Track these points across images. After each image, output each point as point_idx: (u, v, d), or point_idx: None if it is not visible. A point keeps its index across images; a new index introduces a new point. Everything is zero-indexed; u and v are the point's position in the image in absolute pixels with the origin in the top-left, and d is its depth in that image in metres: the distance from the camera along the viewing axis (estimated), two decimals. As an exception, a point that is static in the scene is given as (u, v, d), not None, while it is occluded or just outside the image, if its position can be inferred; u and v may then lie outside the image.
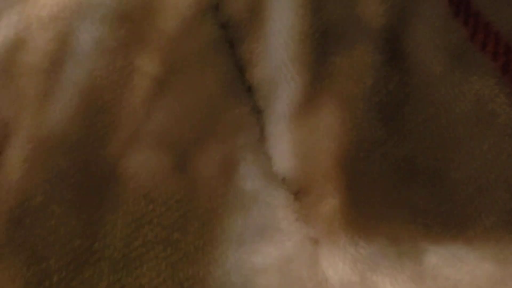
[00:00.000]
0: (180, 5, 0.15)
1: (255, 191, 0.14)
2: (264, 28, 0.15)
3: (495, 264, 0.13)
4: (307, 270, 0.13)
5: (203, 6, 0.15)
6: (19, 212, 0.14)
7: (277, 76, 0.14)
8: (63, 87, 0.14)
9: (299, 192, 0.14)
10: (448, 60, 0.14)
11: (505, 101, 0.14)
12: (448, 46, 0.14)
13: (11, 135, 0.15)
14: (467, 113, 0.14)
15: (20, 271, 0.13)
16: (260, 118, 0.14)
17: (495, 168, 0.13)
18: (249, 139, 0.14)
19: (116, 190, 0.13)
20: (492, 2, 0.15)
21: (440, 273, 0.13)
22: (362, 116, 0.14)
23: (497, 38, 0.14)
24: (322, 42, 0.14)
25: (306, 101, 0.14)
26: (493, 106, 0.14)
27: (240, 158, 0.14)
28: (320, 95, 0.14)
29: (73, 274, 0.13)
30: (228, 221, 0.13)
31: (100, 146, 0.14)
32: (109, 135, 0.14)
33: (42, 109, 0.14)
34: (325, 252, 0.13)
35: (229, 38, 0.15)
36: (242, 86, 0.14)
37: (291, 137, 0.14)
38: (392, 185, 0.13)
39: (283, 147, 0.14)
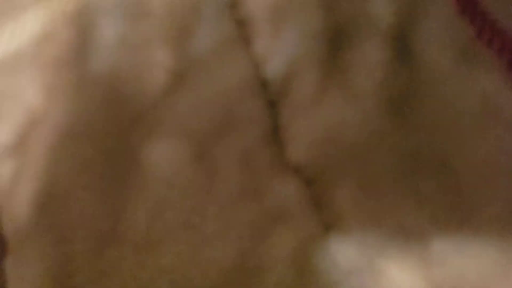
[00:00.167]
0: (199, 3, 0.16)
1: (269, 179, 0.14)
2: (279, 25, 0.15)
3: (499, 251, 0.13)
4: (318, 256, 0.14)
5: (220, 4, 0.16)
6: (45, 197, 0.14)
7: (291, 71, 0.15)
8: (88, 80, 0.15)
9: (311, 180, 0.14)
10: (455, 57, 0.15)
11: (510, 96, 0.14)
12: (455, 43, 0.15)
13: (37, 123, 0.15)
14: (473, 107, 0.14)
15: (47, 252, 0.14)
16: (274, 111, 0.15)
17: (500, 160, 0.14)
18: (263, 130, 0.15)
19: (139, 177, 0.14)
20: (499, 0, 0.15)
21: (446, 259, 0.13)
22: (371, 110, 0.14)
23: (503, 36, 0.14)
24: (334, 39, 0.15)
25: (318, 95, 0.15)
26: (498, 101, 0.14)
27: (255, 149, 0.15)
28: (332, 89, 0.15)
29: (97, 255, 0.14)
30: (244, 208, 0.14)
31: (123, 136, 0.15)
32: (131, 126, 0.15)
33: (68, 100, 0.15)
34: (335, 237, 0.14)
35: (245, 35, 0.15)
36: (257, 80, 0.15)
37: (304, 128, 0.15)
38: (400, 175, 0.14)
39: (296, 138, 0.15)
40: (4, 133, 0.16)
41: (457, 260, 0.13)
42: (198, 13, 0.15)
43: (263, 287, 0.14)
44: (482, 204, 0.14)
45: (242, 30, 0.16)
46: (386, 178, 0.14)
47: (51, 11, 0.16)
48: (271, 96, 0.15)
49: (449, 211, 0.14)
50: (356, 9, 0.15)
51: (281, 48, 0.15)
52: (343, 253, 0.14)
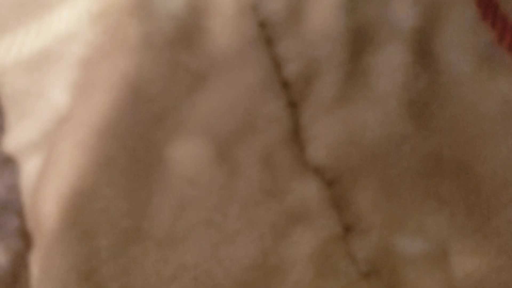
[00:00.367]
0: (221, 5, 0.16)
1: (290, 179, 0.14)
2: (300, 27, 0.16)
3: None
4: (337, 256, 0.14)
5: (242, 6, 0.16)
6: (70, 193, 0.15)
7: (312, 72, 0.15)
8: (113, 79, 0.15)
9: (332, 181, 0.15)
10: (475, 61, 0.15)
11: (529, 101, 0.14)
12: (476, 47, 0.15)
13: (62, 121, 0.16)
14: (493, 111, 0.14)
15: (72, 247, 0.14)
16: (295, 111, 0.15)
17: None
18: (284, 130, 0.15)
19: (162, 175, 0.14)
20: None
21: (466, 262, 0.13)
22: (392, 112, 0.14)
23: None
24: (355, 41, 0.15)
25: (340, 96, 0.15)
26: (518, 105, 0.14)
27: (276, 149, 0.15)
28: (354, 91, 0.15)
29: (121, 251, 0.14)
30: (264, 207, 0.14)
31: (148, 134, 0.15)
32: (155, 124, 0.15)
33: (93, 98, 0.15)
34: (355, 238, 0.14)
35: (266, 36, 0.16)
36: (278, 81, 0.15)
37: (325, 129, 0.15)
38: (420, 177, 0.14)
39: (317, 139, 0.15)
40: (28, 130, 0.16)
41: (476, 263, 0.14)
42: (221, 15, 0.16)
43: (283, 285, 0.14)
44: (501, 207, 0.14)
45: (264, 31, 0.16)
46: (406, 180, 0.14)
47: (77, 11, 0.16)
48: (292, 97, 0.15)
49: (468, 213, 0.14)
50: (378, 12, 0.16)
51: (302, 50, 0.16)
52: (364, 254, 0.14)
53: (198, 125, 0.15)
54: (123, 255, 0.14)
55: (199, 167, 0.14)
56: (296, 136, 0.15)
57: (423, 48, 0.15)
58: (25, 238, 0.15)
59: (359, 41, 0.15)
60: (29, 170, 0.16)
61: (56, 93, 0.16)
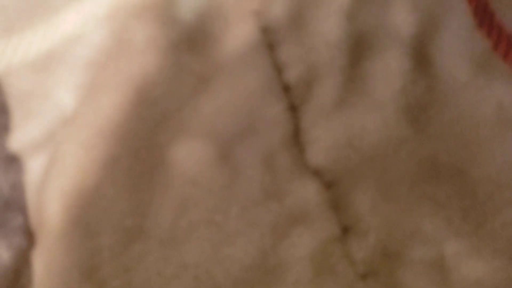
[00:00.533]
0: (225, 11, 0.16)
1: (290, 180, 0.15)
2: (301, 33, 0.16)
3: (509, 259, 0.14)
4: (335, 257, 0.14)
5: (245, 12, 0.16)
6: (74, 192, 0.15)
7: (313, 76, 0.15)
8: (118, 80, 0.16)
9: (331, 183, 0.15)
10: (472, 68, 0.15)
11: (524, 108, 0.15)
12: (472, 55, 0.15)
13: (67, 121, 0.16)
14: (489, 117, 0.15)
15: (75, 245, 0.14)
16: (295, 115, 0.15)
17: None
18: (285, 133, 0.15)
19: (165, 175, 0.15)
20: (514, 16, 0.15)
21: (461, 264, 0.14)
22: (390, 116, 0.15)
23: None
24: (355, 47, 0.16)
25: (339, 101, 0.15)
26: (513, 111, 0.15)
27: (277, 151, 0.15)
28: (353, 96, 0.15)
29: (123, 249, 0.14)
30: (264, 208, 0.14)
31: (151, 135, 0.15)
32: (159, 126, 0.15)
33: (98, 100, 0.15)
34: (353, 239, 0.14)
35: (269, 42, 0.16)
36: (279, 85, 0.16)
37: (324, 133, 0.15)
38: (417, 180, 0.14)
39: (317, 142, 0.15)
40: (33, 129, 0.16)
41: (472, 265, 0.14)
42: (224, 20, 0.16)
43: (282, 285, 0.14)
44: (496, 210, 0.14)
45: (266, 36, 0.16)
46: (404, 182, 0.15)
47: (83, 14, 0.17)
48: (292, 101, 0.16)
49: (464, 216, 0.14)
50: (377, 19, 0.16)
51: (303, 55, 0.16)
52: (360, 255, 0.14)
53: (201, 126, 0.15)
54: (125, 254, 0.14)
55: (201, 168, 0.15)
56: (296, 139, 0.15)
57: (421, 55, 0.15)
58: (28, 236, 0.15)
59: (358, 47, 0.16)
60: (33, 168, 0.16)
61: (61, 94, 0.16)
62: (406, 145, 0.15)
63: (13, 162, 0.16)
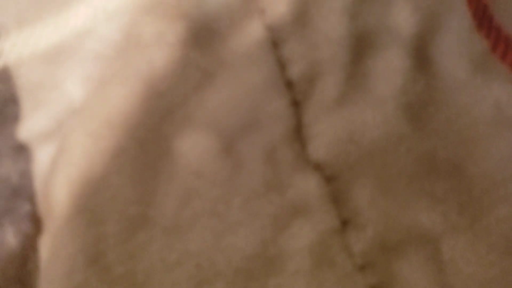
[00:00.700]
0: (231, 8, 0.17)
1: (291, 174, 0.15)
2: (305, 30, 0.16)
3: (502, 253, 0.14)
4: (334, 249, 0.14)
5: (251, 10, 0.17)
6: (81, 181, 0.15)
7: (315, 73, 0.16)
8: (126, 74, 0.16)
9: (331, 177, 0.15)
10: (470, 68, 0.15)
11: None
12: (471, 55, 0.15)
13: (75, 112, 0.16)
14: (486, 116, 0.15)
15: (80, 232, 0.15)
16: (298, 110, 0.16)
17: (509, 165, 0.14)
18: (287, 128, 0.15)
19: (169, 166, 0.15)
20: (513, 18, 0.16)
21: (456, 258, 0.14)
22: (391, 113, 0.15)
23: None
24: (357, 45, 0.16)
25: (341, 97, 0.15)
26: (510, 110, 0.15)
27: (279, 145, 0.15)
28: (354, 92, 0.15)
29: (127, 237, 0.15)
30: (266, 200, 0.15)
31: (157, 127, 0.15)
32: (165, 118, 0.15)
33: (107, 92, 0.16)
34: (352, 232, 0.14)
35: (273, 39, 0.16)
36: (283, 81, 0.16)
37: (326, 128, 0.15)
38: (415, 176, 0.15)
39: (318, 137, 0.15)
40: (42, 119, 0.16)
41: (467, 258, 0.14)
42: (230, 18, 0.16)
43: (282, 274, 0.14)
44: (492, 206, 0.14)
45: (270, 34, 0.16)
46: (402, 178, 0.15)
47: (93, 9, 0.17)
48: (295, 96, 0.16)
49: (460, 211, 0.14)
50: (379, 19, 0.16)
51: (306, 52, 0.16)
52: (359, 247, 0.15)
53: (205, 119, 0.16)
54: (129, 241, 0.15)
55: (205, 160, 0.15)
56: (298, 134, 0.16)
57: (421, 54, 0.16)
58: (36, 222, 0.16)
59: (360, 45, 0.16)
60: (42, 157, 0.16)
61: (70, 86, 0.17)
62: (405, 141, 0.15)
63: (22, 151, 0.16)
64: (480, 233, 0.14)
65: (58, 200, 0.15)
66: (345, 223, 0.15)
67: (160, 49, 0.16)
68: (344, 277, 0.14)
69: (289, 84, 0.16)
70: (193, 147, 0.15)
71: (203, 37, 0.16)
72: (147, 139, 0.15)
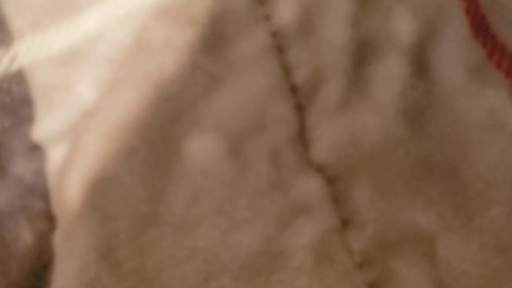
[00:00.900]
0: (237, 14, 0.17)
1: (294, 175, 0.16)
2: (309, 37, 0.17)
3: (494, 252, 0.14)
4: (335, 247, 0.15)
5: (256, 16, 0.17)
6: (93, 179, 0.16)
7: (318, 78, 0.16)
8: (136, 77, 0.17)
9: (332, 178, 0.16)
10: (467, 75, 0.16)
11: (514, 113, 0.16)
12: (467, 63, 0.16)
13: (88, 114, 0.17)
14: (481, 121, 0.15)
15: (93, 228, 0.15)
16: (301, 114, 0.16)
17: (502, 168, 0.15)
18: (291, 131, 0.16)
19: (178, 166, 0.16)
20: (508, 27, 0.16)
21: (451, 257, 0.14)
22: (390, 118, 0.16)
23: (511, 59, 0.16)
24: (359, 52, 0.16)
25: (343, 102, 0.16)
26: (504, 116, 0.16)
27: (283, 147, 0.16)
28: (356, 98, 0.16)
29: (138, 233, 0.15)
30: (270, 199, 0.15)
31: (166, 129, 0.16)
32: (174, 120, 0.16)
33: (118, 95, 0.16)
34: (352, 231, 0.15)
35: (278, 44, 0.17)
36: (287, 86, 0.17)
37: (328, 131, 0.16)
38: (412, 178, 0.15)
39: (321, 140, 0.16)
40: (56, 121, 0.17)
41: (461, 257, 0.15)
42: (237, 24, 0.17)
43: (284, 270, 0.15)
44: (485, 207, 0.15)
45: (276, 40, 0.17)
46: (400, 179, 0.16)
47: (105, 13, 0.18)
48: (299, 101, 0.17)
49: (455, 212, 0.15)
50: (380, 26, 0.17)
51: (310, 58, 0.17)
52: (358, 245, 0.15)
53: (213, 122, 0.16)
54: (140, 237, 0.15)
55: (212, 161, 0.16)
56: (301, 136, 0.16)
57: (420, 61, 0.16)
58: (50, 219, 0.16)
59: (362, 53, 0.17)
60: (55, 157, 0.17)
61: (83, 88, 0.17)
62: (403, 145, 0.16)
63: (36, 151, 0.17)
64: (473, 232, 0.15)
65: (71, 198, 0.16)
66: (345, 223, 0.15)
67: (169, 53, 0.17)
68: (343, 274, 0.15)
69: (293, 89, 0.17)
70: (201, 148, 0.16)
71: (211, 42, 0.17)
72: (157, 140, 0.16)
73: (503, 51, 0.16)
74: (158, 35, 0.17)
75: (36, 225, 0.16)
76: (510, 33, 0.16)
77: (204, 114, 0.16)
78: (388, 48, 0.17)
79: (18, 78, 0.18)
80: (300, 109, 0.17)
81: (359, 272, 0.15)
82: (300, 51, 0.17)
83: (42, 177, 0.17)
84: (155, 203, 0.16)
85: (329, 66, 0.17)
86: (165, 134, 0.16)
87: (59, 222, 0.16)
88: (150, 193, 0.16)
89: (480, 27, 0.16)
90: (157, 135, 0.16)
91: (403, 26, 0.17)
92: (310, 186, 0.16)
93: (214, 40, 0.17)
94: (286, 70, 0.17)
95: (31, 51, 0.18)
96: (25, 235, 0.16)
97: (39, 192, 0.17)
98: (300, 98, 0.17)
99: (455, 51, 0.16)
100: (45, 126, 0.17)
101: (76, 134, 0.17)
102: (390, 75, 0.16)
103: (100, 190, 0.16)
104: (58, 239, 0.16)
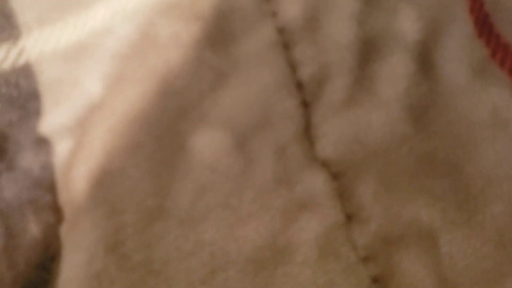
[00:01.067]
0: (244, 11, 0.17)
1: (300, 170, 0.16)
2: (315, 34, 0.17)
3: (496, 247, 0.15)
4: (339, 241, 0.15)
5: (263, 13, 0.17)
6: (100, 173, 0.16)
7: (324, 75, 0.17)
8: (143, 72, 0.17)
9: (337, 174, 0.16)
10: (470, 74, 0.16)
11: (517, 111, 0.16)
12: (471, 61, 0.16)
13: (95, 108, 0.17)
14: (484, 119, 0.16)
15: (100, 221, 0.16)
16: (307, 111, 0.16)
17: (504, 166, 0.15)
18: (297, 127, 0.16)
19: (185, 161, 0.16)
20: (511, 26, 0.17)
21: (453, 252, 0.15)
22: (394, 115, 0.16)
23: None
24: (364, 50, 0.17)
25: (348, 99, 0.16)
26: (506, 114, 0.16)
27: (289, 143, 0.16)
28: (360, 95, 0.16)
29: (145, 227, 0.15)
30: (276, 194, 0.16)
31: (172, 124, 0.16)
32: (180, 116, 0.16)
33: (124, 90, 0.17)
34: (356, 226, 0.15)
35: (284, 41, 0.17)
36: (293, 83, 0.17)
37: (333, 128, 0.16)
38: (416, 175, 0.16)
39: (326, 136, 0.16)
40: (62, 115, 0.17)
41: (463, 252, 0.15)
42: (244, 20, 0.17)
43: (290, 264, 0.15)
44: (487, 204, 0.15)
45: (282, 37, 0.17)
46: (404, 176, 0.16)
47: (111, 9, 0.18)
48: (305, 97, 0.17)
49: (458, 208, 0.15)
50: (385, 25, 0.17)
51: (316, 55, 0.17)
52: (362, 240, 0.15)
53: (219, 118, 0.16)
54: (146, 231, 0.15)
55: (218, 156, 0.16)
56: (307, 133, 0.16)
57: (425, 59, 0.17)
58: (57, 212, 0.16)
59: (367, 50, 0.17)
60: (62, 151, 0.17)
61: (90, 83, 0.17)
62: (407, 142, 0.16)
63: (43, 144, 0.17)
64: (476, 228, 0.15)
65: (78, 191, 0.16)
66: (349, 218, 0.16)
67: (176, 49, 0.17)
68: (348, 268, 0.15)
69: (299, 86, 0.17)
70: (207, 143, 0.16)
71: (217, 38, 0.17)
72: (163, 135, 0.16)
73: (506, 50, 0.16)
74: (165, 31, 0.17)
75: (43, 218, 0.16)
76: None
77: (210, 109, 0.17)
78: (393, 46, 0.17)
79: (26, 72, 0.18)
80: (306, 105, 0.17)
81: (363, 266, 0.15)
82: (306, 48, 0.17)
83: (49, 170, 0.17)
84: (161, 197, 0.16)
85: (335, 63, 0.17)
86: (171, 129, 0.16)
87: (66, 215, 0.16)
88: (156, 187, 0.16)
89: (484, 26, 0.17)
90: (163, 130, 0.16)
91: (408, 25, 0.17)
92: (315, 182, 0.16)
93: (220, 36, 0.17)
94: (292, 66, 0.17)
95: (38, 45, 0.18)
96: (32, 228, 0.16)
97: (46, 185, 0.17)
98: (306, 95, 0.17)
99: (459, 49, 0.17)
100: (52, 120, 0.17)
101: (82, 129, 0.17)
102: (394, 73, 0.17)
103: (107, 184, 0.16)
104: (65, 232, 0.16)
